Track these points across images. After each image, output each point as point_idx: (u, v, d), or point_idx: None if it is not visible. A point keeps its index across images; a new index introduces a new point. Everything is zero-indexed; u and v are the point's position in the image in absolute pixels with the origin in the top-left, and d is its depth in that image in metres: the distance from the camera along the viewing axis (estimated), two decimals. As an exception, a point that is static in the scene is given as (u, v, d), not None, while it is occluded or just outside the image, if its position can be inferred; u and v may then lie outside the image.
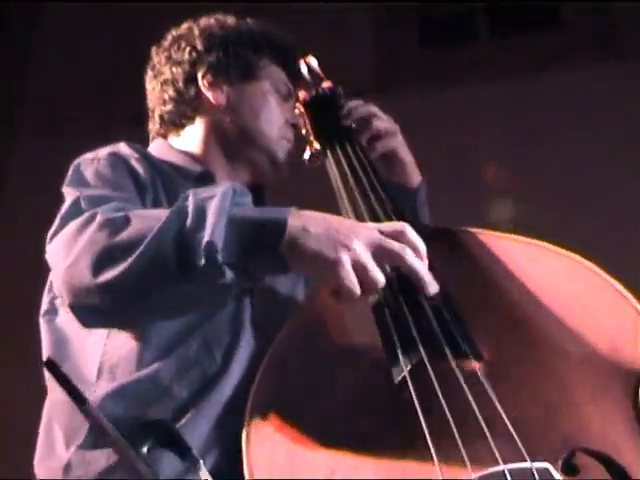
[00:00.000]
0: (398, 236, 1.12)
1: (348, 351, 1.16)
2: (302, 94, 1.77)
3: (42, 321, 1.42)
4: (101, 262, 1.14)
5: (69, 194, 1.36)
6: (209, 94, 1.64)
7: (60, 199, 1.39)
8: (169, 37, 1.71)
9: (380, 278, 1.08)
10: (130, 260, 1.12)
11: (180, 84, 1.64)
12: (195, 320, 1.29)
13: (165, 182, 1.47)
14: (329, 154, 1.59)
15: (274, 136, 1.63)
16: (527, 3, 4.75)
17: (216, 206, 1.13)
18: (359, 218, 1.33)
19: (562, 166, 3.99)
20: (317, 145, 1.67)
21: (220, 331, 1.31)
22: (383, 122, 1.67)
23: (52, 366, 0.92)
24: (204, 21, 1.70)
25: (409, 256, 1.10)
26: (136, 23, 4.58)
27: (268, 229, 1.11)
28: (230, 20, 1.70)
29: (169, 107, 1.66)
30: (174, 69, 1.65)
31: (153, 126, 1.70)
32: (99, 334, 1.32)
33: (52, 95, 4.83)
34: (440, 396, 0.98)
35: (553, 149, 4.08)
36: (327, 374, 1.12)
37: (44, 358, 1.31)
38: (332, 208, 1.41)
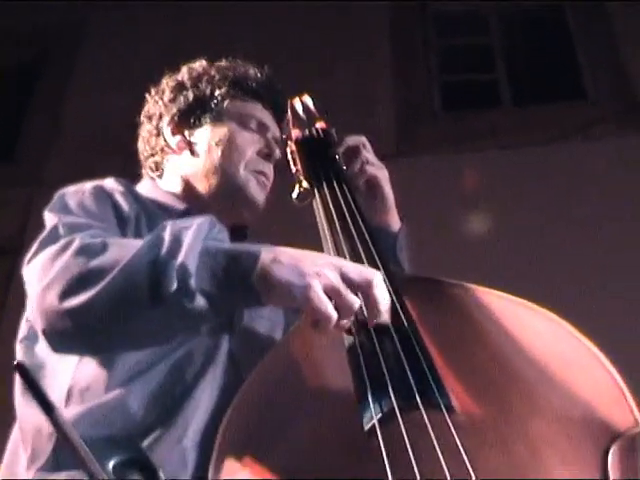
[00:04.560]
0: (365, 279, 1.13)
1: (321, 393, 1.15)
2: (295, 132, 1.78)
3: (19, 346, 1.43)
4: (73, 287, 1.16)
5: (49, 220, 1.38)
6: (173, 142, 1.70)
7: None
8: (151, 92, 1.79)
9: (354, 300, 1.10)
10: (101, 285, 1.13)
11: (153, 138, 1.73)
12: (165, 347, 1.29)
13: (149, 218, 1.50)
14: (317, 195, 1.58)
15: (240, 172, 1.64)
16: (550, 73, 4.80)
17: (191, 235, 1.16)
18: None
19: (577, 236, 3.98)
20: (306, 185, 1.65)
21: (192, 360, 1.32)
22: (371, 153, 1.71)
23: (22, 371, 0.90)
24: (179, 71, 1.77)
25: (376, 287, 1.12)
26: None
27: (241, 260, 1.14)
28: (200, 66, 1.76)
29: (148, 161, 1.74)
30: (148, 126, 1.75)
31: (142, 171, 1.78)
32: (71, 360, 1.33)
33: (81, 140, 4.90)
34: (408, 447, 0.97)
35: (570, 220, 4.08)
36: (297, 415, 1.11)
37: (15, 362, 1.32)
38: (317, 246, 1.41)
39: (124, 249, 1.18)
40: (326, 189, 1.57)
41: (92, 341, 1.22)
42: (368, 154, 1.70)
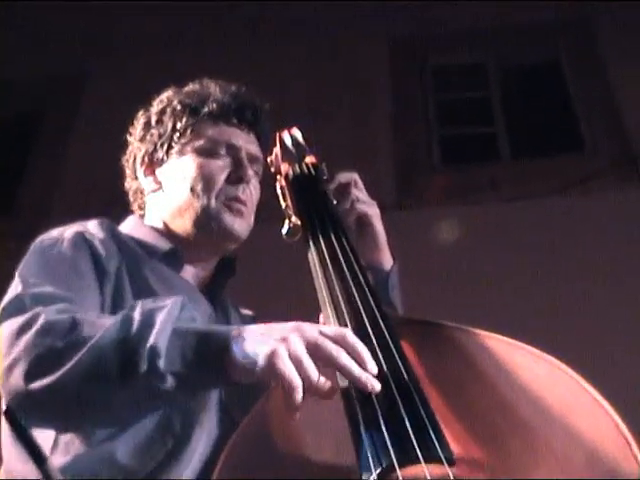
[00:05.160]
0: (338, 339, 1.10)
1: (319, 437, 1.11)
2: (285, 167, 1.76)
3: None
4: (38, 368, 1.13)
5: (17, 282, 1.33)
6: (146, 183, 1.68)
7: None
8: (129, 131, 1.76)
9: (313, 373, 1.05)
10: (67, 366, 1.10)
11: (133, 182, 1.72)
12: None
13: (130, 263, 1.47)
14: (309, 236, 1.53)
15: (211, 205, 1.59)
16: (548, 126, 4.84)
17: (163, 317, 1.12)
18: (336, 308, 1.29)
19: (577, 287, 3.97)
20: (296, 220, 1.62)
21: (182, 409, 1.29)
22: (362, 191, 1.70)
23: (12, 418, 0.87)
24: (151, 107, 1.73)
25: (343, 358, 1.07)
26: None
27: (211, 342, 1.11)
28: (166, 97, 1.71)
29: (133, 205, 1.73)
30: (127, 170, 1.73)
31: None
32: None
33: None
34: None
35: (570, 271, 4.07)
36: (294, 462, 1.08)
37: (3, 407, 1.23)
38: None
39: (92, 328, 1.14)
40: (319, 231, 1.53)
41: (58, 420, 1.19)
42: (359, 192, 1.69)
